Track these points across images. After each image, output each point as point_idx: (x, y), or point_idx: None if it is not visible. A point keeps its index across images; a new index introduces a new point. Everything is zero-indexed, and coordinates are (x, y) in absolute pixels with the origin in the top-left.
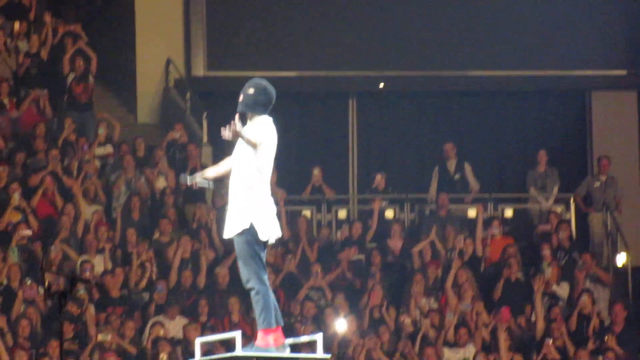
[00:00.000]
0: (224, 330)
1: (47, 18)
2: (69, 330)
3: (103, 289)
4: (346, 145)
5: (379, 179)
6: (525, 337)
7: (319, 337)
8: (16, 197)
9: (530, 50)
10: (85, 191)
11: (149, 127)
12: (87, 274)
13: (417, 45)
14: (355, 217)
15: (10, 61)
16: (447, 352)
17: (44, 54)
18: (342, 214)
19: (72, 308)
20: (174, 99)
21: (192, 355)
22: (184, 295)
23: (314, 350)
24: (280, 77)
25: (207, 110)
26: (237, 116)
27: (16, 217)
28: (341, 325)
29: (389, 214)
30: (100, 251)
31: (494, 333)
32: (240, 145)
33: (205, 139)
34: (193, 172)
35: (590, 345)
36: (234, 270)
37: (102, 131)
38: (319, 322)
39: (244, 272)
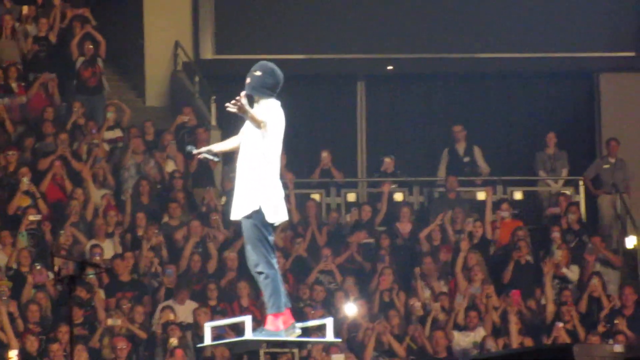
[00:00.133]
0: (233, 315)
1: (56, 2)
2: (78, 315)
3: (113, 273)
4: (355, 128)
5: (388, 161)
6: (535, 321)
7: (329, 322)
8: (25, 182)
9: (539, 32)
10: (95, 175)
11: (157, 111)
12: (97, 258)
13: (426, 28)
14: (364, 200)
15: (19, 45)
16: (457, 335)
17: (52, 38)
18: (351, 197)
19: (81, 293)
20: (183, 82)
21: (202, 340)
22: (194, 279)
23: (324, 335)
24: (289, 60)
25: (216, 93)
26: (243, 92)
27: (25, 202)
28: (351, 309)
29: (398, 197)
30: (110, 235)
31: (503, 316)
32: (247, 127)
33: (213, 122)
34: None
35: (601, 329)
36: (243, 254)
37: (111, 115)
38: (329, 306)
39: (253, 256)
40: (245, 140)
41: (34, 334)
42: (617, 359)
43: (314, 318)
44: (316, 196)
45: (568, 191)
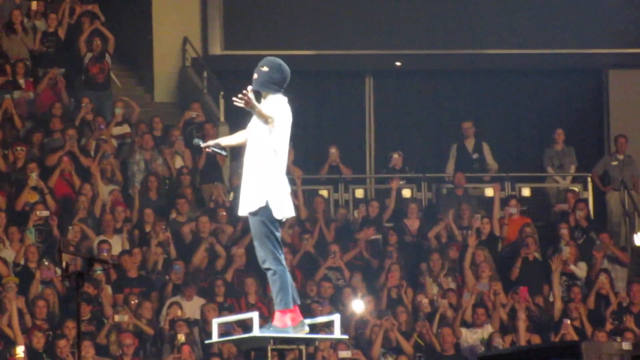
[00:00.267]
0: (241, 311)
1: None
2: (86, 311)
3: (120, 269)
4: (363, 124)
5: (396, 158)
6: (543, 318)
7: (336, 318)
8: (33, 178)
9: (547, 29)
10: (103, 171)
11: (166, 106)
12: (105, 254)
13: (434, 24)
14: (372, 197)
15: (27, 41)
16: (464, 332)
17: (61, 34)
18: (359, 193)
19: (89, 289)
20: (191, 78)
21: (210, 336)
22: (201, 275)
23: (331, 331)
24: (297, 56)
25: (224, 89)
26: (250, 87)
27: (33, 198)
28: (358, 305)
29: (406, 193)
30: (118, 231)
31: (511, 313)
32: (254, 122)
33: (222, 117)
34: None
35: (609, 326)
36: (250, 251)
37: (119, 111)
38: (336, 303)
39: (260, 252)
40: (252, 135)
41: (41, 331)
42: (625, 357)
43: (321, 314)
44: (324, 192)
45: (576, 188)
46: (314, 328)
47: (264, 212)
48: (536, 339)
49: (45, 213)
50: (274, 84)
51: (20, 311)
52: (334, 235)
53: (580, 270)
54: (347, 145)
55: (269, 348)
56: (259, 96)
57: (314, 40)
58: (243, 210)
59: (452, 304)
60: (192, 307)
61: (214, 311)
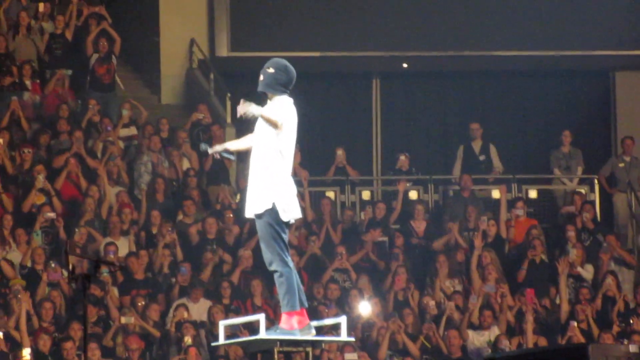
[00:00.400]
0: (247, 313)
1: None
2: (92, 313)
3: (127, 271)
4: (370, 125)
5: (403, 159)
6: (550, 320)
7: (343, 320)
8: (40, 179)
9: (554, 30)
10: (109, 173)
11: (172, 108)
12: (112, 256)
13: (441, 25)
14: (379, 198)
15: (35, 42)
16: (471, 334)
17: (68, 36)
18: (365, 195)
19: (95, 291)
20: (198, 79)
21: (216, 338)
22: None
23: (338, 333)
24: (304, 58)
25: (231, 90)
26: (242, 100)
27: (40, 200)
28: (365, 307)
29: (413, 195)
30: (125, 233)
31: (518, 316)
32: (260, 124)
33: (229, 119)
34: None
35: (615, 328)
36: (257, 253)
37: (126, 112)
38: (343, 305)
39: (267, 254)
40: (257, 138)
41: (47, 333)
42: (632, 359)
43: (328, 316)
44: (331, 194)
45: (583, 190)
46: (320, 330)
47: (270, 213)
48: (543, 342)
49: (52, 215)
50: (280, 86)
51: (26, 313)
52: (340, 237)
53: (587, 272)
54: (354, 147)
55: (276, 350)
56: (265, 97)
57: (321, 42)
58: (249, 212)
59: (459, 306)
60: (198, 309)
61: (221, 313)
